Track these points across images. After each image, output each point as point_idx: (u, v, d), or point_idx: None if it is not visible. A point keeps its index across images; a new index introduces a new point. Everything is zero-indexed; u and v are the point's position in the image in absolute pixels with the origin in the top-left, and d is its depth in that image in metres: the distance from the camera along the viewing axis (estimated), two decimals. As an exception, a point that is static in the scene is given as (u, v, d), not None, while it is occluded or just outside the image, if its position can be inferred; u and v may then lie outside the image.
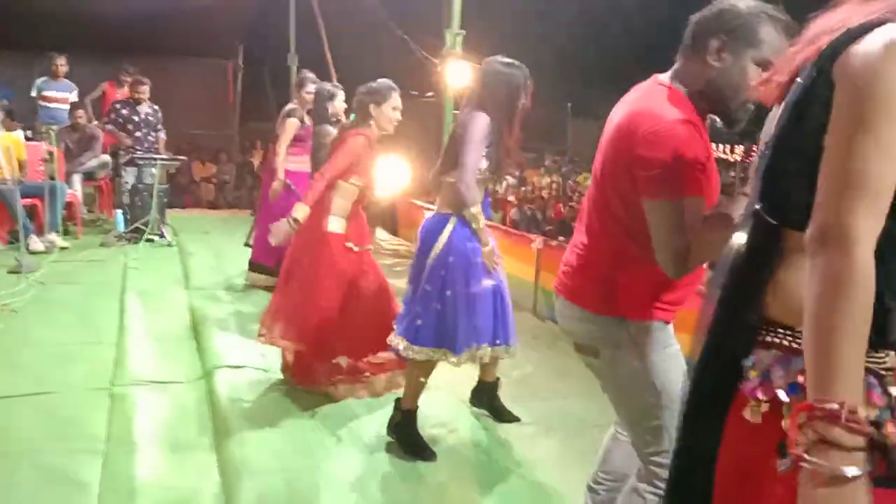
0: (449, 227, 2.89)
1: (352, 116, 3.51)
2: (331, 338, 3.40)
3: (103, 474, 2.68)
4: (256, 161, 12.03)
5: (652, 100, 1.67)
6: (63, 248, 6.48)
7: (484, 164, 2.88)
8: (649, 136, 1.60)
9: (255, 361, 3.85)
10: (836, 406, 0.93)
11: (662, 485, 1.72)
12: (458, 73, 6.36)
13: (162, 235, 7.00)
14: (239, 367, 3.75)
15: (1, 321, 4.37)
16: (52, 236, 6.56)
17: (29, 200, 6.45)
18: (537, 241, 5.64)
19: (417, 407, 3.02)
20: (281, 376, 3.66)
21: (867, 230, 0.96)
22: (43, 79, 8.27)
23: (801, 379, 1.03)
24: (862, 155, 0.96)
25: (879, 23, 1.02)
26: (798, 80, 1.10)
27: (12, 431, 2.96)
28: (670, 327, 1.85)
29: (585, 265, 1.85)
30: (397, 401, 3.06)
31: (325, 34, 9.49)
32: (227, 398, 3.37)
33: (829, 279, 0.96)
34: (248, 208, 9.96)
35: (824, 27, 1.10)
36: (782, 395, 1.05)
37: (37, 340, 4.10)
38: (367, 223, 3.65)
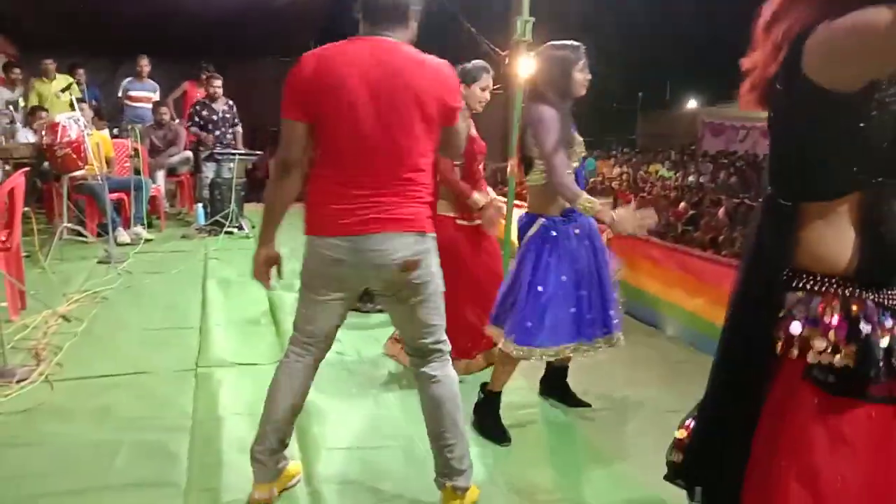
0: (533, 229, 2.93)
1: None
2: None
3: (191, 448, 2.83)
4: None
5: (425, 55, 2.19)
6: (148, 240, 6.80)
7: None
8: (454, 77, 2.27)
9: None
10: None
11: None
12: (526, 64, 6.33)
13: (240, 227, 7.25)
14: (316, 350, 3.87)
15: (94, 308, 4.63)
16: (138, 229, 6.89)
17: (116, 195, 6.78)
18: (608, 231, 5.59)
19: (501, 391, 3.06)
20: (356, 359, 3.78)
21: None
22: (128, 79, 8.69)
23: (819, 311, 1.29)
24: None
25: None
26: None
27: (113, 409, 3.15)
28: None
29: (416, 197, 2.18)
30: (484, 385, 3.11)
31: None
32: (305, 380, 3.48)
33: None
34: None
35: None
36: (796, 327, 1.31)
37: (127, 326, 4.32)
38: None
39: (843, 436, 1.27)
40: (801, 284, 1.33)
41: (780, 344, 1.33)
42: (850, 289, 1.28)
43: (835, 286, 1.29)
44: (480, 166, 3.65)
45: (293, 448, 2.85)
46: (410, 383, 3.52)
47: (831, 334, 1.27)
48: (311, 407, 3.17)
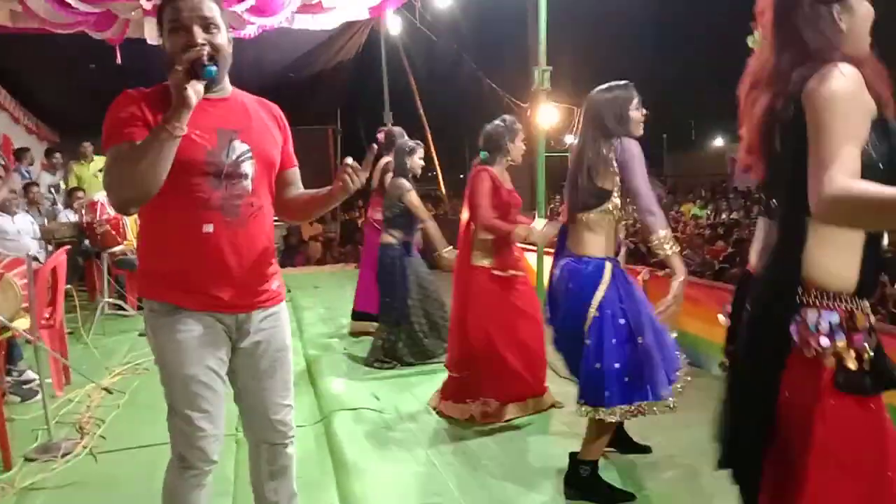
0: (607, 274, 2.72)
1: (482, 154, 3.68)
2: (481, 372, 3.59)
3: (234, 513, 2.80)
4: (361, 219, 12.49)
5: None
6: (187, 311, 6.87)
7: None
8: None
9: (370, 403, 3.96)
10: None
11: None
12: (546, 114, 6.40)
13: (276, 293, 7.30)
14: (355, 409, 3.86)
15: (136, 380, 4.68)
16: (177, 300, 6.97)
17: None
18: (644, 273, 5.51)
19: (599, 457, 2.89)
20: (394, 416, 3.75)
21: None
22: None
23: (839, 324, 1.45)
24: None
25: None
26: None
27: (156, 478, 3.09)
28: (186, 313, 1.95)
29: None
30: (573, 455, 2.88)
31: (416, 89, 9.82)
32: (346, 439, 3.46)
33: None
34: (354, 262, 10.29)
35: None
36: (825, 341, 1.44)
37: (169, 395, 4.33)
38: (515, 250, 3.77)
39: (858, 425, 1.44)
40: (814, 300, 1.46)
41: (807, 351, 1.47)
42: (857, 302, 1.45)
43: (844, 301, 1.45)
44: (519, 218, 3.66)
45: (336, 508, 2.82)
46: (451, 439, 3.48)
47: (847, 343, 1.44)
48: (351, 466, 3.15)
